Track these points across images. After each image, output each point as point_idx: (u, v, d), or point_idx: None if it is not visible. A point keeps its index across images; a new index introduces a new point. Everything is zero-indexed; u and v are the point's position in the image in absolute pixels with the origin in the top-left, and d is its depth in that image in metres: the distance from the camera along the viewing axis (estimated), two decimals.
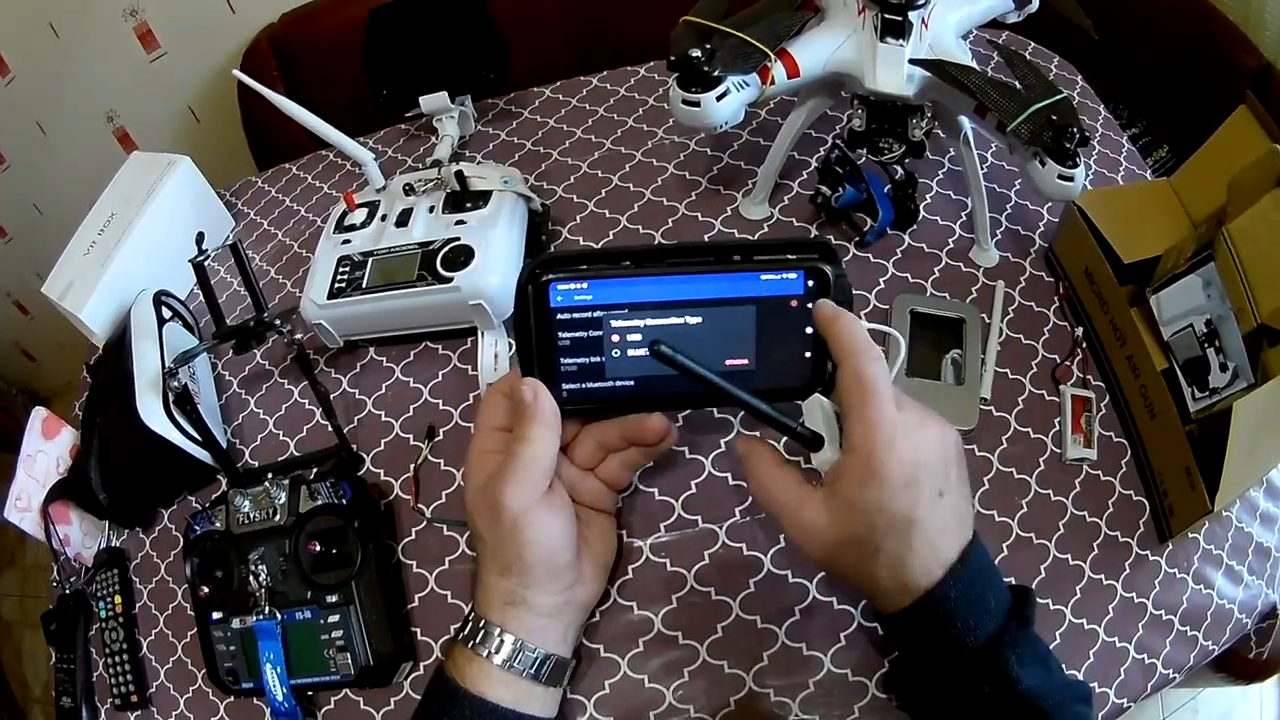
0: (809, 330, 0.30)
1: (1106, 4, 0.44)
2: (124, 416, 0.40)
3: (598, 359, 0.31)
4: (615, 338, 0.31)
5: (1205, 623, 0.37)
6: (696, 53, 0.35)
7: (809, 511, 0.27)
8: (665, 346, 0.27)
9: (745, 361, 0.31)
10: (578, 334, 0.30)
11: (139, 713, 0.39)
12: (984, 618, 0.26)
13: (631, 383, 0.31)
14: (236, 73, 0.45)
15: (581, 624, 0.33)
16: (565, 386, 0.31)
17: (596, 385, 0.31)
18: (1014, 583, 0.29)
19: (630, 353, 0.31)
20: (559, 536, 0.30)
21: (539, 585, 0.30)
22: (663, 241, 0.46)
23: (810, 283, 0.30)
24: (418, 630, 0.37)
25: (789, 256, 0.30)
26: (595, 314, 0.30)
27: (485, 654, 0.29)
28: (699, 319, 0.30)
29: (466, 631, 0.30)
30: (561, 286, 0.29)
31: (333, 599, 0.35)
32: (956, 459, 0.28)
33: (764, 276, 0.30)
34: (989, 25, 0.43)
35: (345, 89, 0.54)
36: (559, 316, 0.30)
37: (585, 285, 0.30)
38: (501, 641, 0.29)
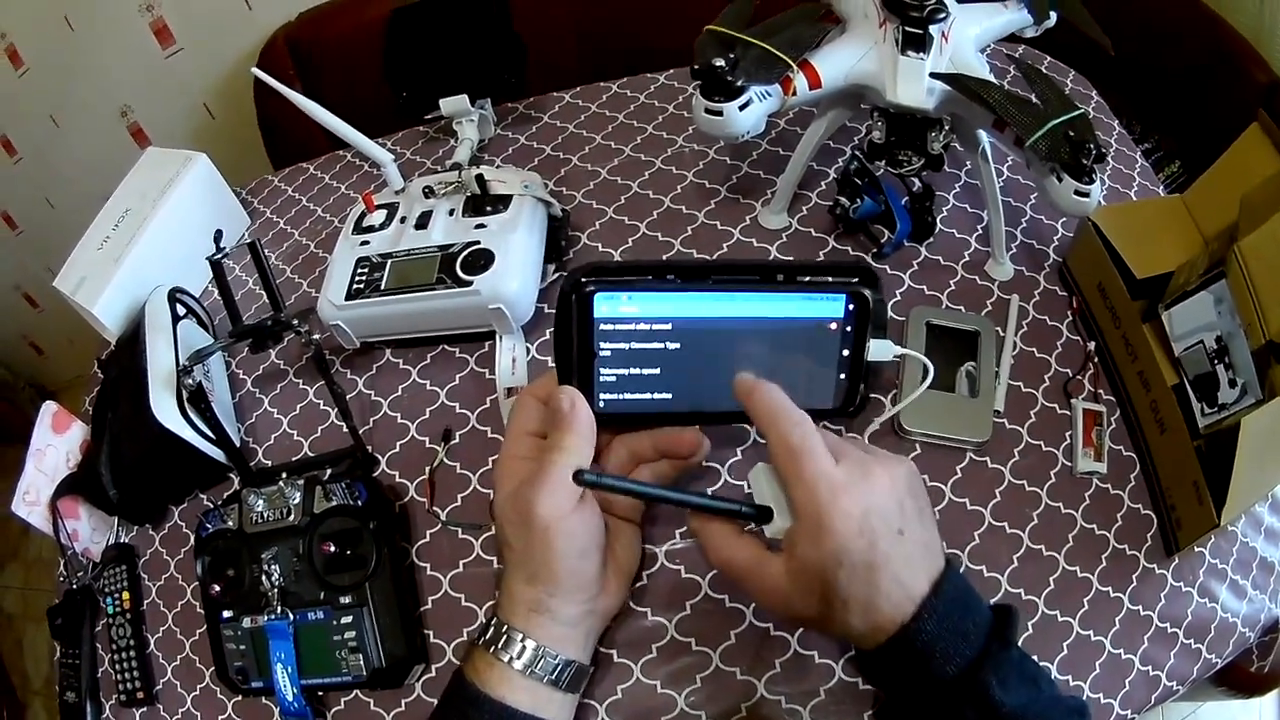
0: (845, 353, 0.31)
1: (1119, 19, 0.45)
2: (136, 413, 0.40)
3: (637, 371, 0.31)
4: (656, 351, 0.30)
5: (1209, 636, 0.37)
6: (720, 62, 0.35)
7: (770, 578, 0.28)
8: (588, 474, 0.27)
9: (779, 380, 0.30)
10: (619, 345, 0.30)
11: (144, 710, 0.39)
12: (962, 645, 0.26)
13: (669, 396, 0.31)
14: (255, 70, 0.45)
15: (600, 632, 0.34)
16: (603, 397, 0.31)
17: (634, 397, 0.31)
18: (997, 604, 0.29)
19: (670, 366, 0.31)
20: (589, 547, 0.30)
21: (565, 594, 0.30)
22: (681, 250, 0.46)
23: (851, 306, 0.30)
24: (430, 633, 0.37)
25: (831, 279, 0.30)
26: (638, 326, 0.30)
27: (506, 659, 0.29)
28: (739, 336, 0.30)
29: (488, 636, 0.30)
30: (606, 296, 0.29)
31: (346, 600, 0.35)
32: (910, 493, 0.28)
33: (806, 298, 0.30)
34: (1006, 39, 0.43)
35: (361, 90, 0.54)
36: (601, 327, 0.30)
37: (629, 297, 0.29)
38: (523, 647, 0.29)
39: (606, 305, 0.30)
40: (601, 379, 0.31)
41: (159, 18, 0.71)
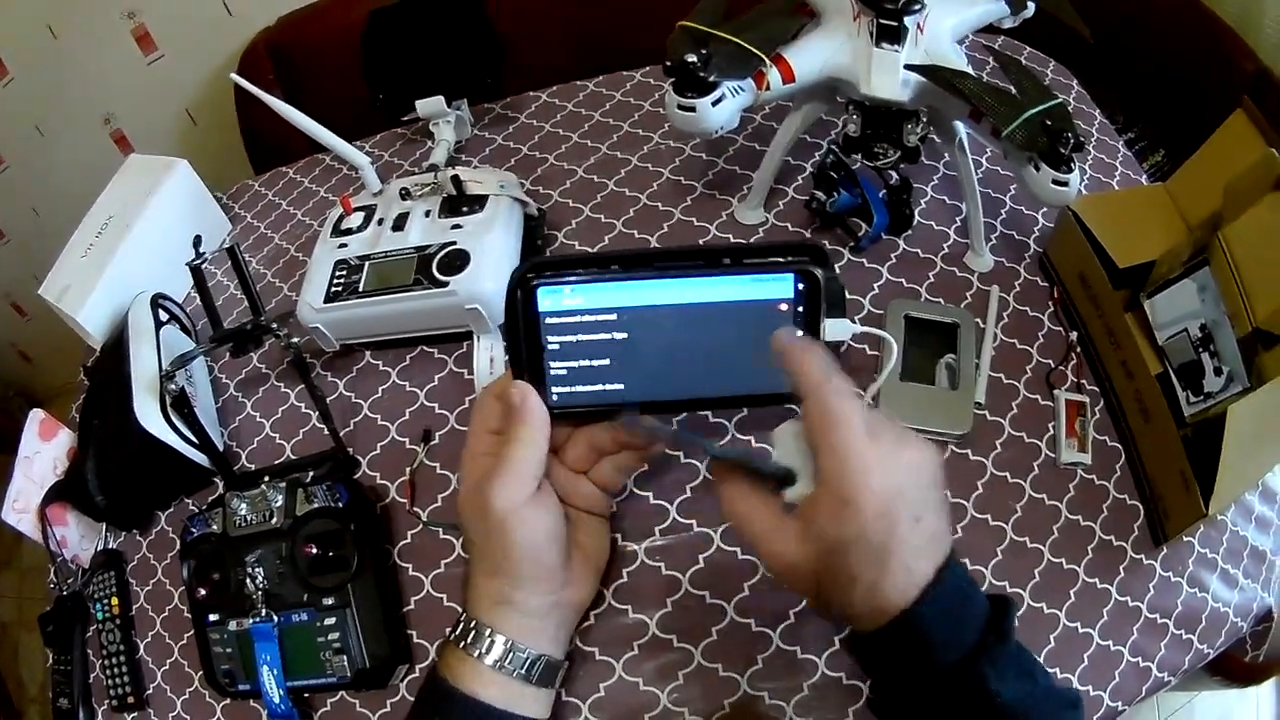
0: (799, 334, 0.30)
1: (1104, 8, 0.44)
2: (121, 419, 0.40)
3: (586, 363, 0.31)
4: (605, 342, 0.30)
5: (1200, 626, 0.37)
6: (692, 58, 0.35)
7: (784, 543, 0.27)
8: (631, 416, 0.27)
9: (734, 365, 0.31)
10: (565, 338, 0.30)
11: (136, 714, 0.39)
12: (960, 634, 0.26)
13: (621, 386, 0.31)
14: (234, 76, 0.45)
15: (573, 625, 0.34)
16: (555, 390, 0.31)
17: (586, 389, 0.31)
18: (994, 594, 0.28)
19: (620, 357, 0.31)
20: (546, 537, 0.30)
21: (526, 585, 0.30)
22: (657, 246, 0.46)
23: (801, 286, 0.29)
24: (414, 633, 0.37)
25: (779, 259, 0.30)
26: (583, 318, 0.30)
27: (476, 654, 0.29)
28: (687, 322, 0.30)
29: (458, 632, 0.30)
30: (549, 290, 0.29)
31: (329, 601, 0.35)
32: (934, 482, 0.27)
33: (754, 280, 0.29)
34: (985, 31, 0.43)
35: (342, 92, 0.54)
36: (547, 320, 0.30)
37: (572, 290, 0.29)
38: (492, 642, 0.29)
39: (550, 299, 0.29)
40: (552, 372, 0.31)
41: (140, 25, 0.71)
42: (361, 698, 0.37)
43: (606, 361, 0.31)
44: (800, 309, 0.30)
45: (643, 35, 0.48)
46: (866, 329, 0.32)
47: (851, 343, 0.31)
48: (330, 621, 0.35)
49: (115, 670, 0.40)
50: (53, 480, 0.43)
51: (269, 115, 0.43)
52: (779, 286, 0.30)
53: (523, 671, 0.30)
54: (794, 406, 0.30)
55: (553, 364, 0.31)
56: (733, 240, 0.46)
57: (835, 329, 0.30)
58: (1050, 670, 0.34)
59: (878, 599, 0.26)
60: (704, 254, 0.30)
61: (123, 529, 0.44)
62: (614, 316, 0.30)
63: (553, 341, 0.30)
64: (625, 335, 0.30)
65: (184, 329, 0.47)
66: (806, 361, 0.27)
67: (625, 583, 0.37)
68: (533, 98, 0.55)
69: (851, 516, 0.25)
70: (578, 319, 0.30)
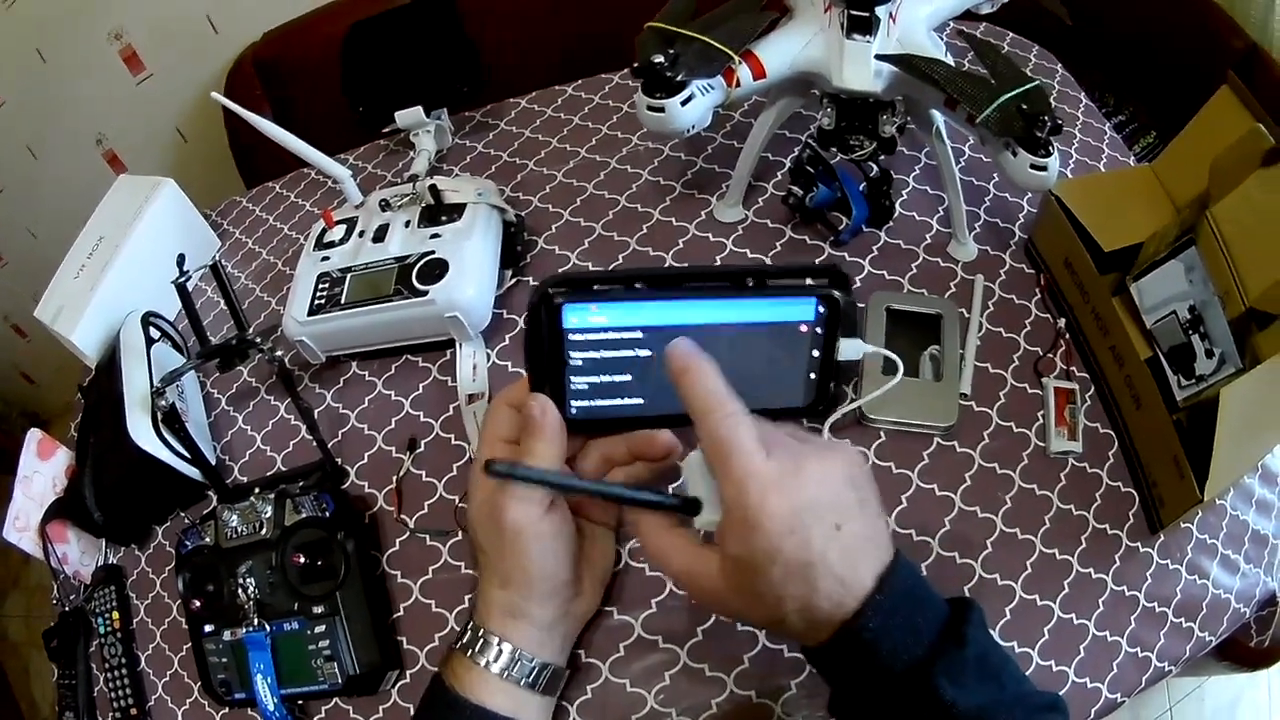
0: (815, 353, 0.31)
1: None
2: (116, 436, 0.40)
3: (608, 378, 0.31)
4: (627, 359, 0.30)
5: (1201, 613, 0.36)
6: (659, 58, 0.35)
7: (706, 576, 0.27)
8: (500, 465, 0.27)
9: (752, 383, 0.30)
10: (589, 354, 0.30)
11: None
12: (911, 642, 0.25)
13: (641, 401, 0.31)
14: (216, 95, 0.45)
15: (575, 635, 0.34)
16: (574, 404, 0.31)
17: (606, 403, 0.31)
18: (954, 598, 0.27)
19: (641, 372, 0.31)
20: (560, 552, 0.30)
21: (540, 598, 0.30)
22: (636, 248, 0.46)
23: (821, 309, 0.30)
24: (404, 639, 0.37)
25: (802, 282, 0.30)
26: (608, 335, 0.30)
27: (484, 663, 0.30)
28: (709, 341, 0.30)
29: (465, 640, 0.30)
30: (575, 308, 0.29)
31: (319, 610, 0.35)
32: (849, 484, 0.26)
33: (777, 303, 0.30)
34: (966, 18, 0.43)
35: (330, 105, 0.54)
36: (571, 337, 0.30)
37: (598, 308, 0.29)
38: (500, 651, 0.30)
39: (575, 316, 0.30)
40: (573, 386, 0.31)
41: (128, 45, 0.72)
42: (355, 704, 0.37)
43: (628, 377, 0.31)
44: (819, 330, 0.30)
45: (621, 38, 0.47)
46: (877, 349, 0.32)
47: None
48: (320, 629, 0.35)
49: (118, 683, 0.40)
50: (52, 498, 0.44)
51: (256, 130, 0.43)
52: (801, 309, 0.30)
53: (529, 680, 0.30)
54: (679, 463, 0.30)
55: (574, 379, 0.31)
56: (712, 239, 0.46)
57: (847, 348, 0.31)
58: (1045, 663, 0.34)
59: (813, 615, 0.25)
60: (729, 275, 0.30)
61: (121, 544, 0.45)
62: (639, 334, 0.30)
63: (575, 357, 0.30)
64: (649, 352, 0.30)
65: (175, 346, 0.48)
66: (693, 386, 0.27)
67: (610, 584, 0.36)
68: (512, 104, 0.56)
69: (759, 539, 0.25)
70: (602, 335, 0.30)
